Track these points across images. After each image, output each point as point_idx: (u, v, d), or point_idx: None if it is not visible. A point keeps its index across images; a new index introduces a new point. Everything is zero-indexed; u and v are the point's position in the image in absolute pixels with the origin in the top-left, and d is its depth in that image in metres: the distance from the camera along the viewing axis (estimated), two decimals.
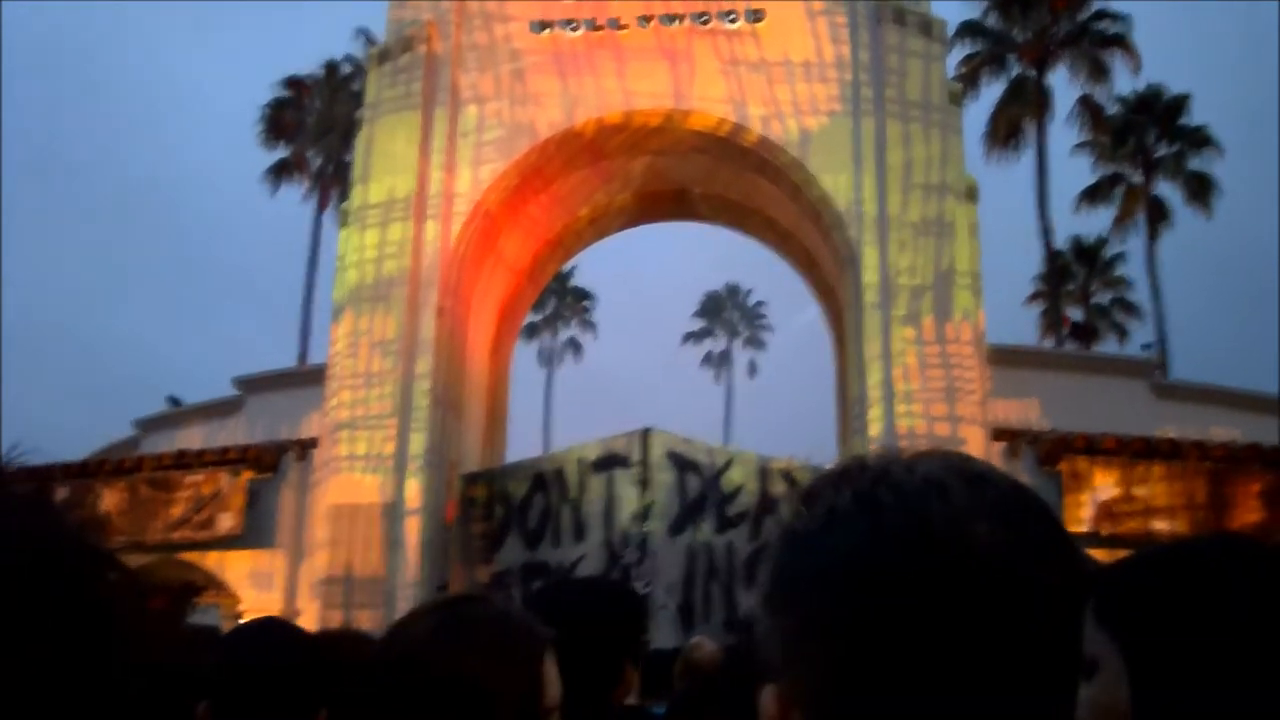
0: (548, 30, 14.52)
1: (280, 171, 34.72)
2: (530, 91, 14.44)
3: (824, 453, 19.01)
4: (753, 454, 12.54)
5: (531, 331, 49.74)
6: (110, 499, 13.74)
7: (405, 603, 12.21)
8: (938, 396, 12.58)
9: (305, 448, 13.74)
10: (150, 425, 18.03)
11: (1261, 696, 1.20)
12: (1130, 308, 36.00)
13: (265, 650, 2.21)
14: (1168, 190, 31.20)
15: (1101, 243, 35.37)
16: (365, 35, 33.09)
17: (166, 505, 13.56)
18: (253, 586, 13.34)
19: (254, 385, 16.51)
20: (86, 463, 14.95)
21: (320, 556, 12.57)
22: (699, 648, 5.43)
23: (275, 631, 2.40)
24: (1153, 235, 30.51)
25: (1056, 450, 12.82)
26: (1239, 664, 1.21)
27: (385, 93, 14.59)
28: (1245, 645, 1.21)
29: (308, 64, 36.58)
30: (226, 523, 13.28)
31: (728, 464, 11.92)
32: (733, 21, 14.22)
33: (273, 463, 13.66)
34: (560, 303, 51.50)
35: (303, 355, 29.65)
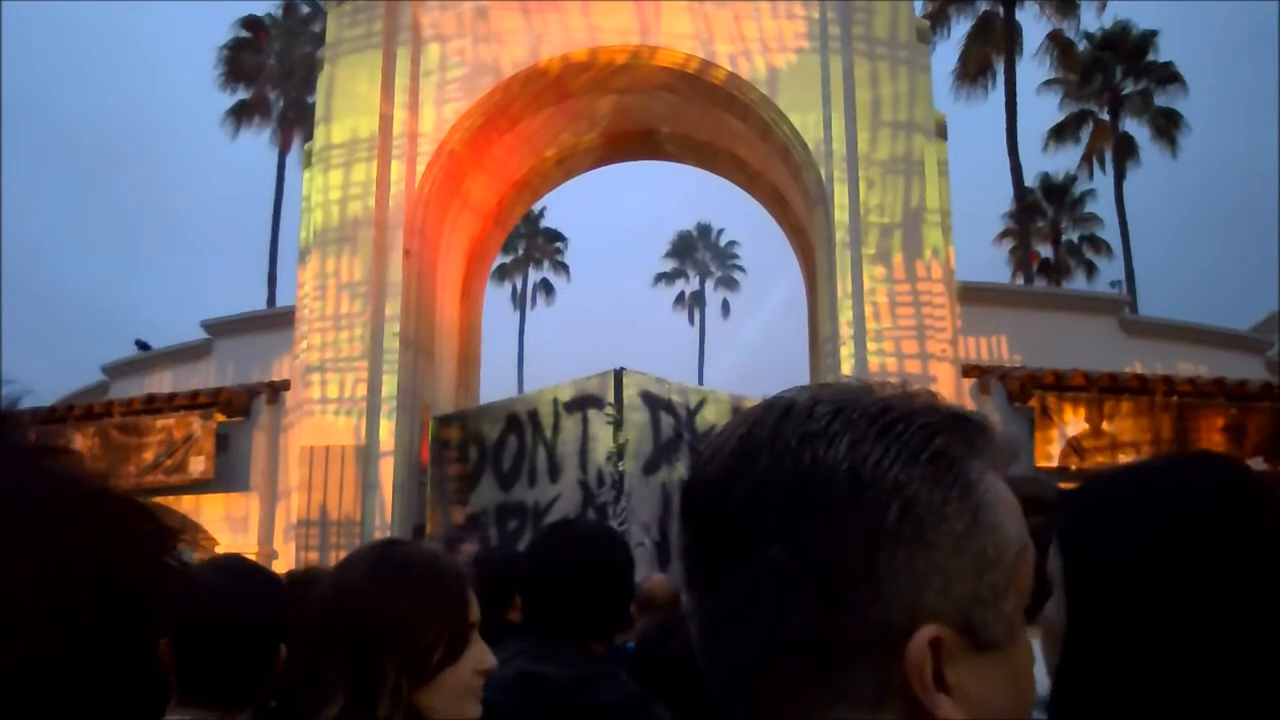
0: None
1: (240, 114, 34.17)
2: (493, 29, 14.17)
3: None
4: (726, 393, 12.60)
5: (503, 274, 49.49)
6: (81, 443, 13.61)
7: None
8: (909, 334, 12.65)
9: (276, 390, 13.65)
10: (119, 370, 17.85)
11: (1177, 618, 1.20)
12: (1099, 245, 36.31)
13: (224, 588, 2.23)
14: (1135, 128, 31.30)
15: (1070, 180, 35.56)
16: None
17: (138, 450, 13.46)
18: (228, 529, 13.31)
19: (222, 329, 16.36)
20: (55, 408, 14.80)
21: (295, 499, 12.55)
22: (651, 581, 5.55)
23: (234, 570, 2.42)
24: (1120, 173, 30.68)
25: (1027, 387, 12.96)
26: (1170, 581, 1.21)
27: (345, 32, 14.28)
28: (1172, 562, 1.22)
29: (265, 4, 35.75)
30: (198, 466, 13.21)
31: (701, 403, 11.98)
32: None
33: (243, 406, 13.56)
34: (531, 244, 51.22)
35: (271, 298, 29.41)
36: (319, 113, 14.30)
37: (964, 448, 0.82)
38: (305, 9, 33.18)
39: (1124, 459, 12.43)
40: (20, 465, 0.59)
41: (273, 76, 33.43)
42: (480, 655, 1.79)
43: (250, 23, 33.51)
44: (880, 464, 0.78)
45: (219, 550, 13.41)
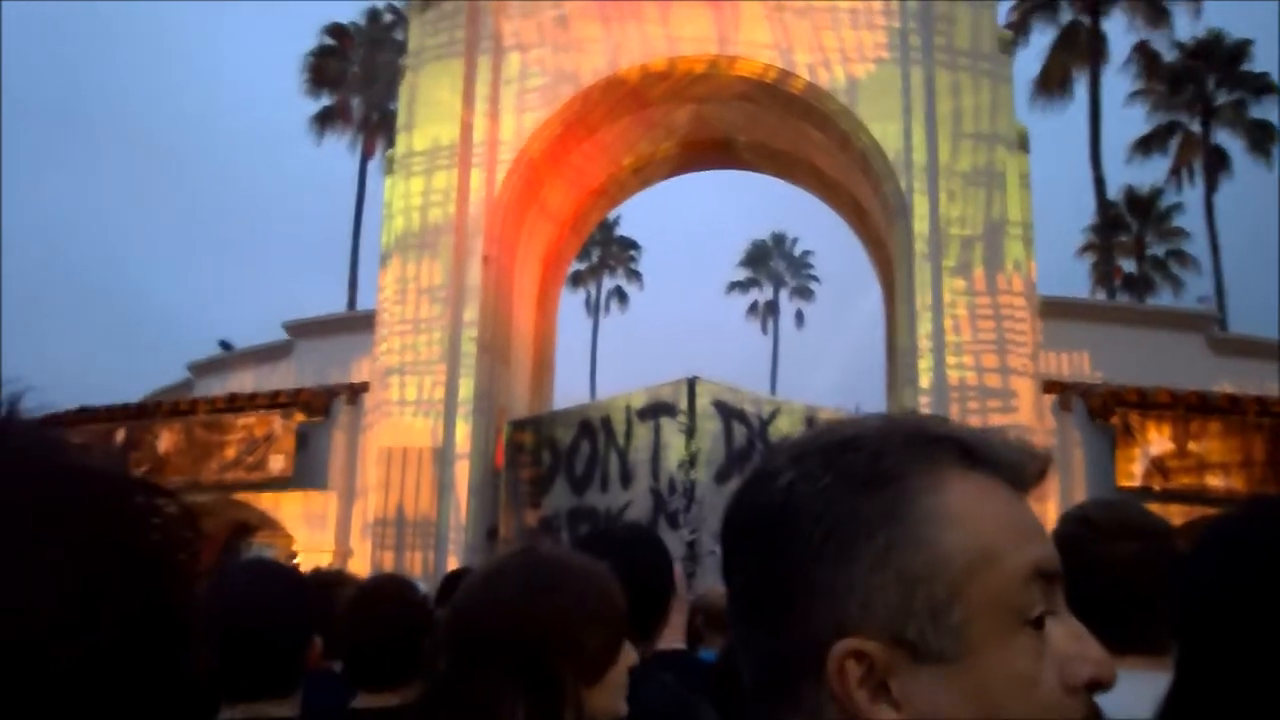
0: None
1: (325, 120, 34.89)
2: (573, 38, 14.30)
3: (871, 403, 18.94)
4: (800, 404, 12.51)
5: (577, 280, 49.81)
6: (167, 440, 14.04)
7: (455, 545, 12.41)
8: (988, 348, 12.43)
9: (355, 392, 13.91)
10: (202, 369, 18.35)
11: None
12: (1185, 259, 35.31)
13: (251, 589, 2.43)
14: (1226, 139, 30.39)
15: (1156, 193, 34.63)
16: None
17: (220, 447, 13.81)
18: (305, 527, 13.59)
19: (303, 330, 16.71)
20: (144, 404, 15.27)
21: (372, 498, 12.76)
22: (715, 592, 5.50)
23: (260, 572, 2.65)
24: (1210, 185, 29.78)
25: (1109, 403, 12.64)
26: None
27: (428, 40, 14.52)
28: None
29: (349, 13, 36.50)
30: (278, 464, 13.50)
31: (774, 413, 11.91)
32: None
33: (323, 406, 13.84)
34: (605, 252, 51.45)
35: (351, 301, 29.97)
36: (401, 120, 14.56)
37: (917, 464, 0.84)
38: (389, 17, 33.84)
39: (1212, 480, 12.06)
40: (37, 458, 0.58)
41: (356, 83, 34.12)
42: (628, 650, 1.82)
43: (335, 30, 34.25)
44: (809, 493, 0.83)
45: (295, 547, 13.73)
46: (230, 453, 13.72)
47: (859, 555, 0.81)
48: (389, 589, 3.26)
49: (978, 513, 0.82)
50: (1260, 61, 29.84)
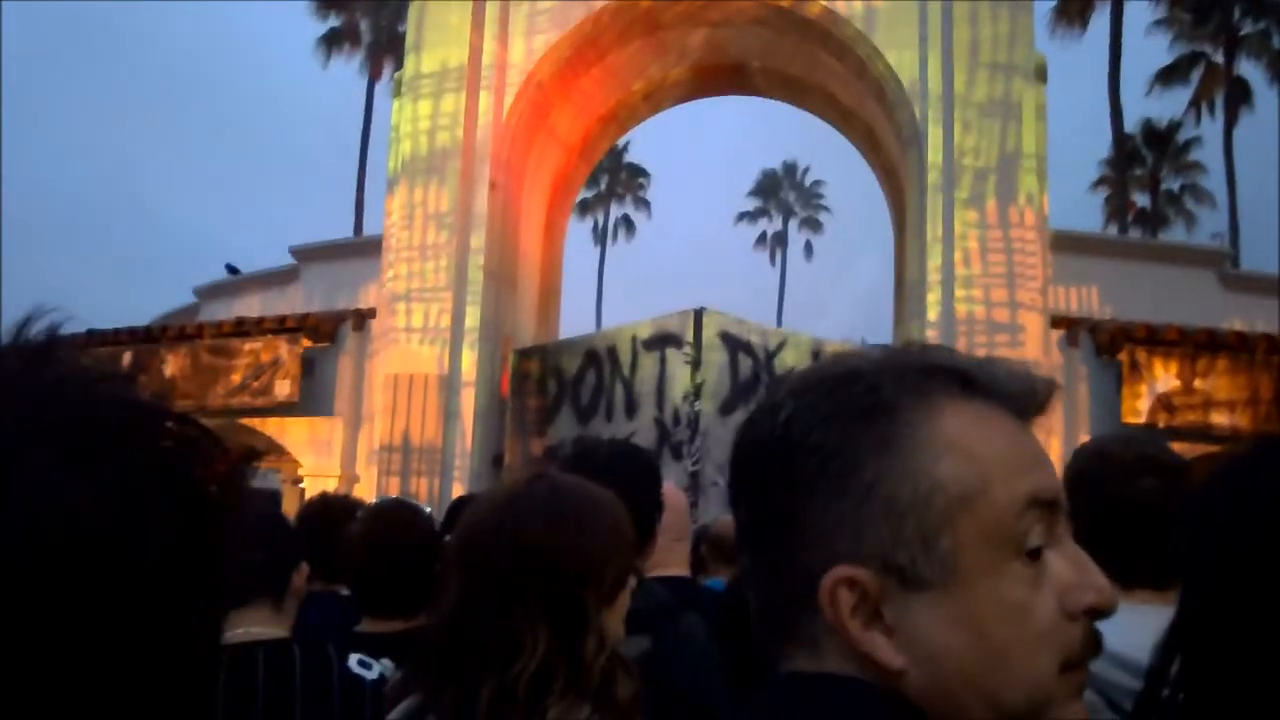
0: None
1: (332, 42, 34.38)
2: None
3: (879, 335, 18.90)
4: (807, 336, 12.48)
5: (585, 208, 49.43)
6: (174, 365, 14.08)
7: (461, 472, 12.50)
8: (998, 282, 12.35)
9: (363, 318, 13.91)
10: (209, 293, 18.34)
11: None
12: (1202, 195, 34.91)
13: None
14: (1251, 71, 29.80)
15: (1175, 126, 34.06)
16: None
17: (227, 372, 13.85)
18: (312, 452, 13.69)
19: (310, 255, 16.65)
20: (150, 328, 15.28)
21: (378, 424, 12.83)
22: (721, 523, 5.55)
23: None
24: (1231, 119, 29.28)
25: (1116, 339, 12.59)
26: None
27: None
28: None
29: None
30: (284, 390, 13.54)
31: (781, 345, 11.89)
32: None
33: (330, 332, 13.85)
34: (614, 179, 50.99)
35: (358, 227, 29.83)
36: (409, 42, 14.33)
37: (911, 396, 0.84)
38: None
39: (1218, 418, 12.05)
40: (78, 389, 0.60)
41: (363, 4, 33.57)
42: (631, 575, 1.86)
43: None
44: (806, 426, 0.84)
45: (301, 472, 13.82)
46: (236, 378, 13.76)
47: (852, 486, 0.81)
48: (396, 515, 3.27)
49: (972, 442, 0.82)
50: None
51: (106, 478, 0.55)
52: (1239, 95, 29.49)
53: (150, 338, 14.70)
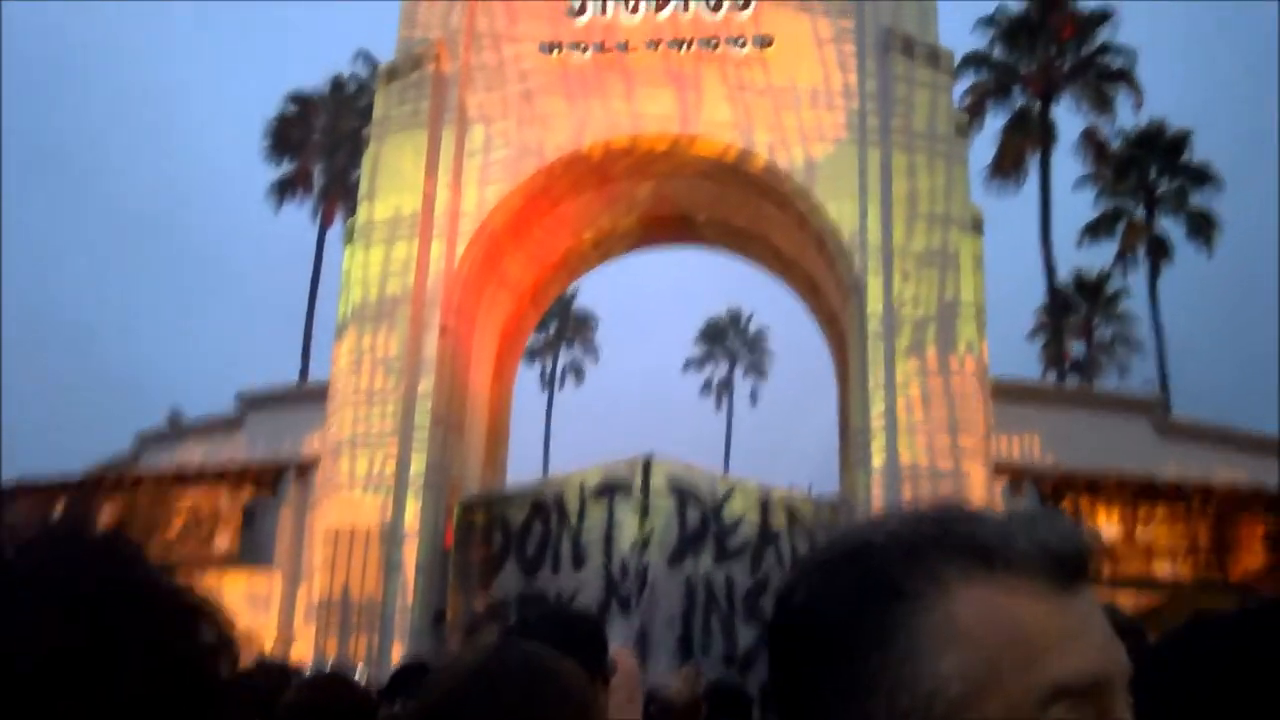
0: (556, 52, 14.55)
1: (285, 187, 34.75)
2: (538, 113, 14.45)
3: (826, 483, 18.96)
4: (755, 484, 12.46)
5: (534, 355, 49.66)
6: (108, 515, 13.66)
7: (401, 629, 12.11)
8: (941, 429, 12.52)
9: (306, 468, 13.67)
10: (151, 440, 17.96)
11: None
12: (1132, 342, 36.03)
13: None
14: (1170, 225, 31.22)
15: (1104, 277, 35.40)
16: (366, 57, 33.30)
17: (165, 522, 13.48)
18: (249, 608, 13.21)
19: (255, 402, 16.44)
20: (86, 478, 14.87)
21: (317, 579, 12.46)
22: (669, 690, 5.43)
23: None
24: (1154, 271, 30.52)
25: (1059, 488, 12.77)
26: None
27: (393, 110, 14.61)
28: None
29: (313, 80, 36.66)
30: (224, 542, 13.20)
31: (729, 494, 11.84)
32: (741, 47, 14.26)
33: (272, 482, 13.59)
34: (563, 325, 51.45)
35: (304, 371, 29.58)
36: (363, 189, 14.57)
37: (921, 579, 0.75)
38: (352, 87, 34.00)
39: (1160, 567, 12.15)
40: (119, 568, 0.64)
41: (317, 151, 34.15)
42: None
43: (298, 99, 34.34)
44: (814, 611, 0.78)
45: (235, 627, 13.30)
46: (174, 529, 13.37)
47: (853, 680, 0.74)
48: (330, 690, 3.16)
49: (984, 629, 0.72)
50: (1200, 147, 30.83)
51: (131, 667, 0.58)
52: (1160, 249, 30.80)
53: (86, 487, 14.30)
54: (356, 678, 3.79)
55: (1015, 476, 13.10)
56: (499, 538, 12.27)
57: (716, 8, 14.41)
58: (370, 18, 29.23)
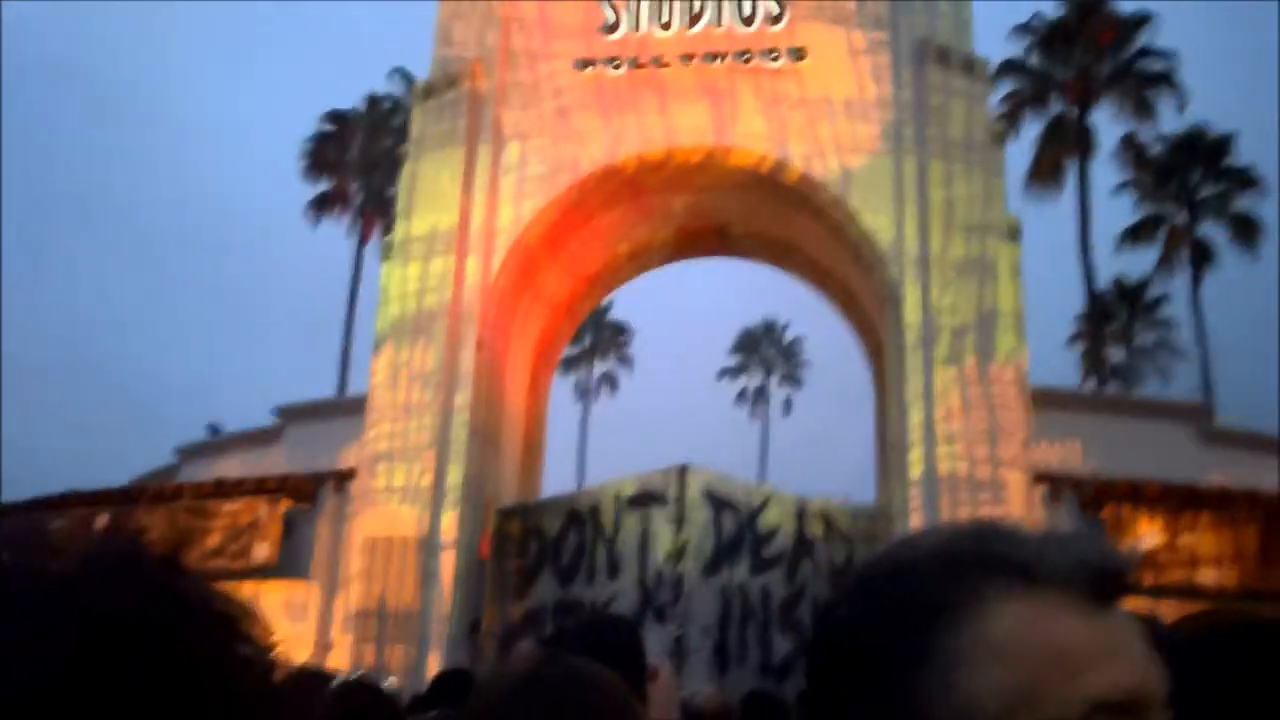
0: (590, 68, 14.63)
1: (322, 204, 35.18)
2: (573, 128, 14.54)
3: (862, 493, 18.85)
4: (790, 494, 12.43)
5: (568, 365, 49.86)
6: (150, 526, 13.87)
7: (438, 638, 12.18)
8: (980, 438, 12.41)
9: (343, 479, 13.79)
10: (190, 453, 18.20)
11: None
12: (1174, 350, 35.52)
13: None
14: (1212, 230, 30.78)
15: (1144, 283, 34.94)
16: (402, 74, 33.70)
17: (204, 533, 13.64)
18: (286, 618, 13.35)
19: (294, 415, 16.62)
20: (128, 489, 15.12)
21: (354, 589, 12.57)
22: (701, 695, 5.43)
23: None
24: (1197, 277, 30.09)
25: (1100, 496, 12.60)
26: None
27: (430, 128, 14.76)
28: None
29: (348, 100, 37.12)
30: (263, 553, 13.33)
31: (764, 503, 11.83)
32: (775, 60, 14.26)
33: (311, 493, 13.72)
34: (597, 337, 51.63)
35: (342, 386, 29.88)
36: (400, 206, 14.72)
37: (962, 594, 0.75)
38: (388, 105, 34.42)
39: (1204, 575, 11.95)
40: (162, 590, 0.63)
41: (354, 168, 34.55)
42: None
43: (335, 117, 34.80)
44: (855, 630, 0.79)
45: (274, 640, 13.45)
46: (214, 540, 13.54)
47: (890, 696, 0.74)
48: (355, 698, 3.20)
49: (1022, 644, 0.72)
50: (1244, 153, 30.42)
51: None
52: (1203, 255, 30.38)
53: (128, 498, 14.54)
54: (385, 686, 3.82)
55: (1055, 485, 12.94)
56: (534, 547, 12.33)
57: (750, 22, 14.42)
58: (405, 36, 29.57)
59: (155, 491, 14.63)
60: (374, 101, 35.15)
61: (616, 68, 14.55)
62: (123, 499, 14.51)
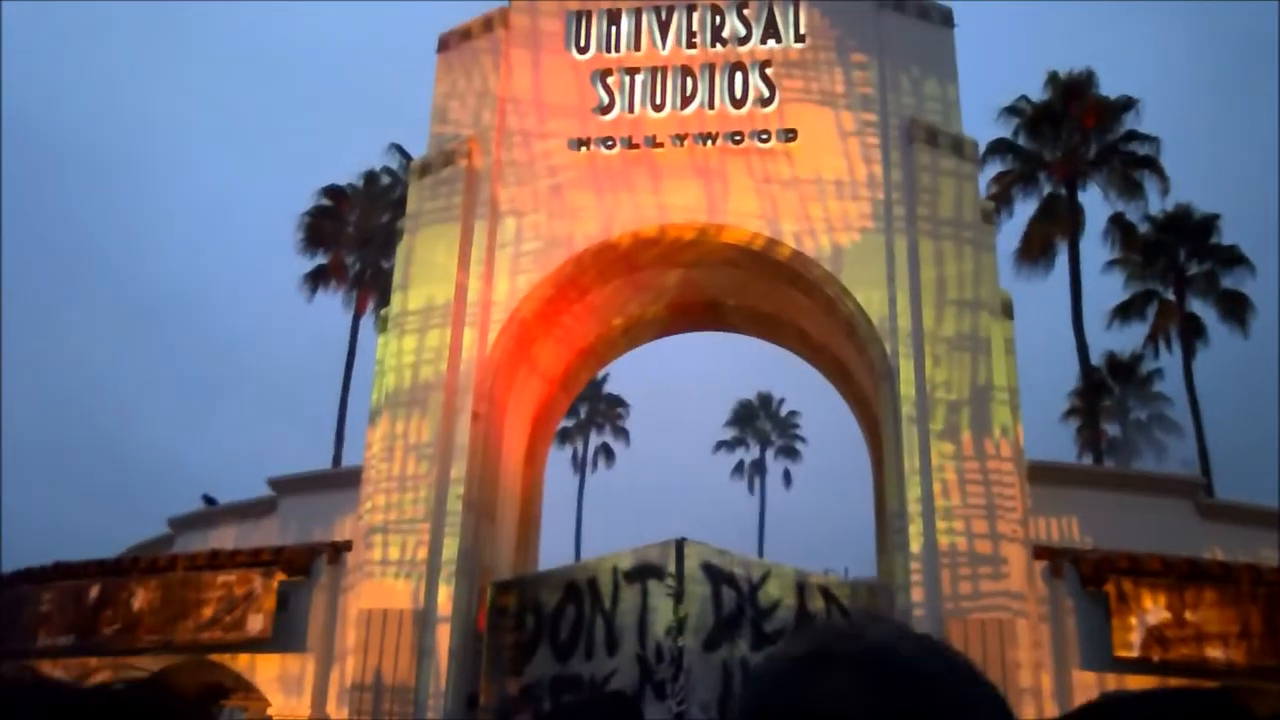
0: (585, 148, 14.89)
1: (318, 277, 35.41)
2: (567, 206, 14.74)
3: (863, 567, 18.72)
4: (790, 568, 12.34)
5: (565, 437, 49.76)
6: (143, 598, 13.72)
7: (434, 713, 11.99)
8: (978, 513, 12.38)
9: (338, 550, 13.69)
10: (184, 524, 18.06)
11: None
12: (1169, 424, 35.61)
13: None
14: (1201, 307, 31.07)
15: (1137, 359, 35.15)
16: (398, 150, 34.23)
17: (198, 605, 13.49)
18: (281, 690, 13.15)
19: (288, 487, 16.54)
20: (120, 560, 14.97)
21: (350, 662, 12.40)
22: None
23: None
24: (1188, 352, 30.29)
25: (1101, 570, 12.52)
26: None
27: (426, 204, 14.95)
28: None
29: (345, 176, 37.63)
30: (257, 624, 13.16)
31: (764, 577, 11.74)
32: (766, 140, 14.53)
33: (305, 565, 13.60)
34: (593, 409, 51.64)
35: (337, 458, 29.78)
36: (397, 279, 14.84)
37: None
38: (385, 179, 34.89)
39: (1212, 651, 11.84)
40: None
41: (351, 242, 34.87)
42: None
43: (332, 192, 35.24)
44: None
45: (270, 711, 13.23)
46: (208, 611, 13.39)
47: None
48: None
49: None
50: (1228, 233, 30.85)
51: None
52: (1193, 330, 30.64)
53: (120, 569, 14.39)
54: None
55: (1055, 559, 12.88)
56: (531, 621, 12.19)
57: (741, 104, 14.74)
58: (400, 113, 30.09)
59: (148, 563, 14.48)
60: (370, 176, 35.61)
61: (610, 147, 14.81)
62: (115, 570, 14.36)
